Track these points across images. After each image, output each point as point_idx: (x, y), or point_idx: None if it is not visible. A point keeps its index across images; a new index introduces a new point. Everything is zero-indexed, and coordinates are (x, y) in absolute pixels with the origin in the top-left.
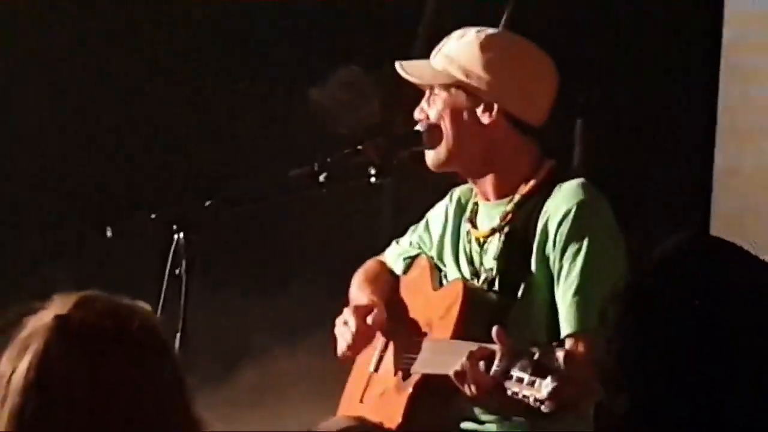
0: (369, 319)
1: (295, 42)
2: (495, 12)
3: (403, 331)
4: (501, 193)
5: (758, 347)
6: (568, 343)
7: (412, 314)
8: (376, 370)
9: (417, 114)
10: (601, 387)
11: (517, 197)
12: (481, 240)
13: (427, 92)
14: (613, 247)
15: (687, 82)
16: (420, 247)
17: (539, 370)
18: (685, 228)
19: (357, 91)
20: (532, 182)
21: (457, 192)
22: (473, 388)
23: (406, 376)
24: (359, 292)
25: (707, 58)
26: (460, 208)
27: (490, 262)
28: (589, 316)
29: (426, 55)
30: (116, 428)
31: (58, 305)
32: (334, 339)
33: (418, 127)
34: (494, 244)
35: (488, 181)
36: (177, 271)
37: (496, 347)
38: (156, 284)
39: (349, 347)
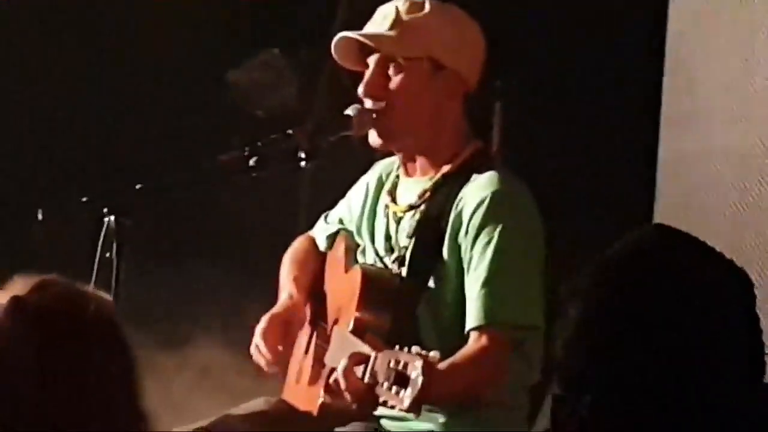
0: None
1: (219, 26)
2: None
3: (323, 316)
4: (425, 168)
5: (720, 336)
6: (473, 337)
7: (329, 297)
8: (306, 352)
9: (366, 91)
10: (559, 384)
11: (437, 176)
12: (398, 215)
13: (372, 68)
14: (528, 239)
15: (630, 70)
16: (341, 222)
17: (400, 380)
18: (628, 218)
19: (275, 73)
20: (455, 161)
21: (379, 166)
22: (347, 394)
23: (322, 366)
24: (285, 274)
25: (652, 45)
26: (380, 182)
27: (404, 239)
28: (496, 309)
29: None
30: (61, 412)
31: (17, 287)
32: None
33: (348, 111)
34: (408, 222)
35: (416, 155)
36: (108, 255)
37: (372, 352)
38: (87, 267)
39: (267, 366)
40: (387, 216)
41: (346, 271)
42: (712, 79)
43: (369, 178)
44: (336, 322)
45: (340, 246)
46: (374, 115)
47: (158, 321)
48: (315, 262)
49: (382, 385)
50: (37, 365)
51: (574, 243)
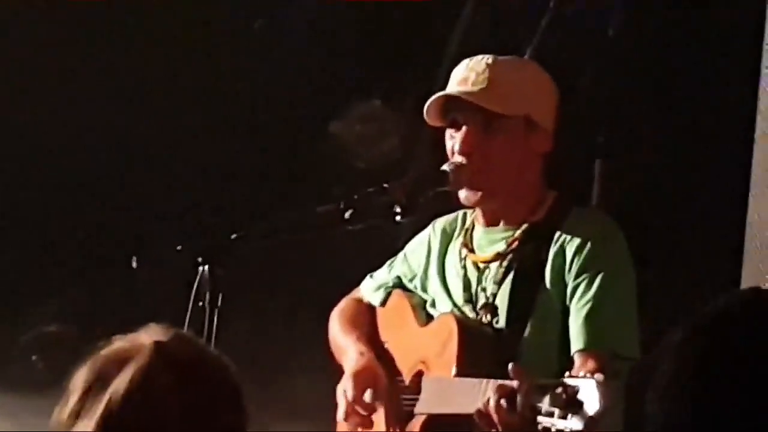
0: (367, 396)
1: (319, 76)
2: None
3: (391, 373)
4: (507, 218)
5: None
6: (578, 359)
7: (399, 353)
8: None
9: (463, 149)
10: None
11: (525, 225)
12: (481, 265)
13: (469, 126)
14: (630, 275)
15: (724, 134)
16: (398, 280)
17: (569, 404)
18: (714, 281)
19: (377, 126)
20: (539, 210)
21: (441, 222)
22: (500, 427)
23: (408, 417)
24: (343, 335)
25: (744, 110)
26: (446, 237)
27: (491, 286)
28: (602, 336)
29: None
30: None
31: (155, 333)
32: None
33: (444, 167)
34: (495, 270)
35: (497, 207)
36: (201, 303)
37: (514, 383)
38: (180, 316)
39: (345, 419)
40: (465, 267)
41: (422, 324)
42: None
43: (429, 235)
44: (420, 373)
45: (401, 302)
46: (471, 173)
47: (247, 371)
48: (367, 322)
49: (541, 411)
50: (179, 407)
51: (664, 300)
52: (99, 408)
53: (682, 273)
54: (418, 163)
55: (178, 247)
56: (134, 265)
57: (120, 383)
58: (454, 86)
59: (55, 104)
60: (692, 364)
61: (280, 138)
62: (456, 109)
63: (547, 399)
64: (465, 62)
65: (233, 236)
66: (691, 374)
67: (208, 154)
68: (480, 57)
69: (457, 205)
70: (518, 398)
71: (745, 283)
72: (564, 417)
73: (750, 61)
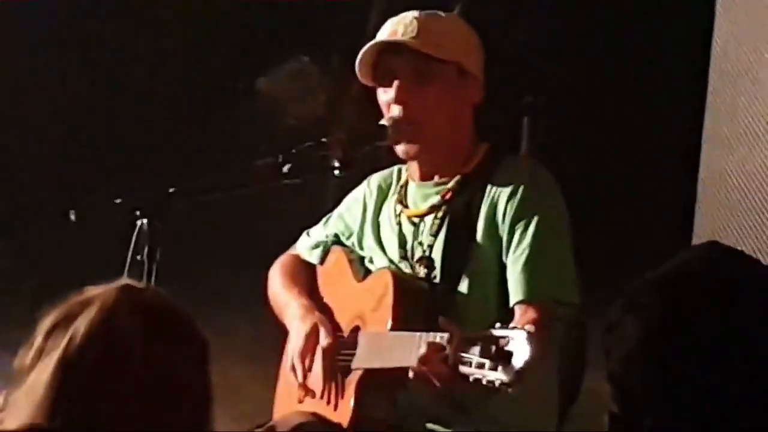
0: (317, 359)
1: (252, 33)
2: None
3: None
4: (439, 172)
5: None
6: (519, 310)
7: (336, 308)
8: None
9: (399, 98)
10: (615, 401)
11: (457, 177)
12: (416, 220)
13: (403, 77)
14: (563, 221)
15: (675, 85)
16: (336, 237)
17: (499, 356)
18: (666, 237)
19: (305, 82)
20: (471, 162)
21: (375, 179)
22: (435, 380)
23: (346, 372)
24: (284, 290)
25: (697, 60)
26: (381, 193)
27: (427, 239)
28: (540, 285)
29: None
30: (152, 406)
31: (125, 282)
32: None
33: (383, 121)
34: (430, 223)
35: (430, 161)
36: (139, 257)
37: (445, 336)
38: (118, 270)
39: (300, 384)
40: (400, 224)
41: (359, 280)
42: (756, 101)
43: (363, 192)
44: (356, 328)
45: (339, 259)
46: (410, 125)
47: None
48: (306, 276)
49: (471, 363)
50: (143, 350)
51: (612, 259)
52: (60, 347)
53: (631, 229)
54: (346, 120)
55: (117, 200)
56: (72, 218)
57: (82, 322)
58: (383, 39)
59: None
60: (657, 325)
61: (215, 94)
62: (387, 63)
63: (476, 351)
64: (392, 19)
65: (171, 190)
66: (657, 335)
67: (146, 108)
68: (407, 12)
69: (395, 160)
70: (448, 351)
71: (698, 238)
72: (494, 369)
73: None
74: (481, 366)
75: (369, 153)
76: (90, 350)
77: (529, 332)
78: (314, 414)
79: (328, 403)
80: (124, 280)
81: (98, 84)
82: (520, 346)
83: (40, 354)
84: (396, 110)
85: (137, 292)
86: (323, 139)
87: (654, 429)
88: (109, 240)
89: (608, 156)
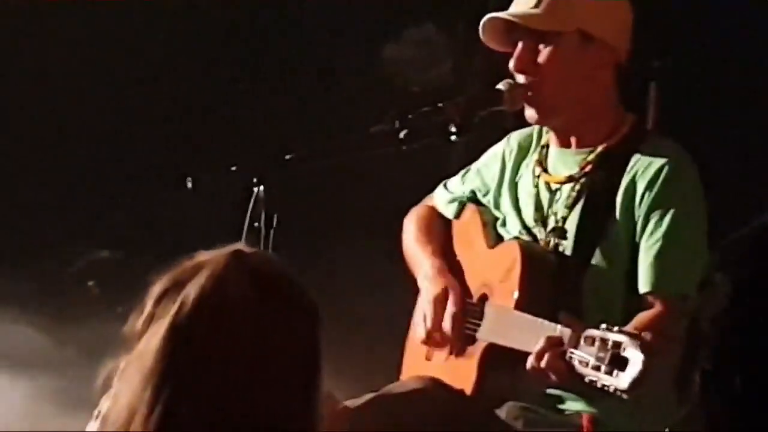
0: (446, 324)
1: (377, 1)
2: None
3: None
4: (583, 140)
5: None
6: (646, 301)
7: (468, 272)
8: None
9: (517, 65)
10: (708, 359)
11: (599, 149)
12: (553, 186)
13: (522, 44)
14: (701, 212)
15: None
16: (472, 194)
17: (614, 360)
18: None
19: (430, 49)
20: (615, 135)
21: (516, 136)
22: (552, 375)
23: (471, 341)
24: (418, 247)
25: None
26: (521, 152)
27: (561, 210)
28: (670, 278)
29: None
30: (260, 372)
31: (236, 247)
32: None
33: (499, 86)
34: (567, 193)
35: (573, 128)
36: (256, 224)
37: (567, 331)
38: (235, 237)
39: (424, 341)
40: (537, 187)
41: (490, 246)
42: None
43: (503, 149)
44: (484, 296)
45: (473, 218)
46: (527, 91)
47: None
48: (441, 233)
49: (587, 364)
50: (254, 316)
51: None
52: (170, 313)
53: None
54: (471, 87)
55: (233, 168)
56: (189, 185)
57: (193, 287)
58: (510, 8)
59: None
60: (747, 283)
61: (337, 60)
62: (513, 29)
63: (593, 351)
64: None
65: (288, 157)
66: (747, 292)
67: (263, 75)
68: None
69: (511, 126)
70: (568, 349)
71: None
72: (609, 373)
73: None
74: (597, 368)
75: (486, 117)
76: (200, 316)
77: (645, 341)
78: (433, 379)
79: (451, 369)
80: (236, 245)
81: (216, 50)
82: (635, 356)
83: (151, 320)
84: (519, 77)
85: (247, 257)
86: (440, 104)
87: (745, 388)
88: (226, 207)
89: (739, 126)
